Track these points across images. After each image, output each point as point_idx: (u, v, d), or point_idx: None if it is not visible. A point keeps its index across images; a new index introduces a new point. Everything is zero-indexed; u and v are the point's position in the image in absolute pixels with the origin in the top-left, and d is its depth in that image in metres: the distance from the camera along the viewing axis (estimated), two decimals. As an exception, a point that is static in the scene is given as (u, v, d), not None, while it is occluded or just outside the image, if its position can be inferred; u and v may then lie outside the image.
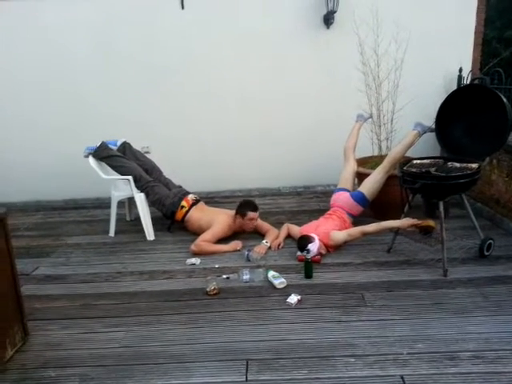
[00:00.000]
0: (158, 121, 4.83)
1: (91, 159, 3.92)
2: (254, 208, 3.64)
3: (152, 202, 3.91)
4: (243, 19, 4.59)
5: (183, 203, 3.85)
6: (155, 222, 3.95)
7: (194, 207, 3.87)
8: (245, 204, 3.68)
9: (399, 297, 2.75)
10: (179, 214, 3.85)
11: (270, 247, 3.52)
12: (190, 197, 3.93)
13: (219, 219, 3.69)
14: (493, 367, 2.10)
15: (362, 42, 4.26)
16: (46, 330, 2.57)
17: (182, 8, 4.56)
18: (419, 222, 3.09)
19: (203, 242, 3.51)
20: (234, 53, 4.67)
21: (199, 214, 3.82)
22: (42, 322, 2.64)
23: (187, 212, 3.83)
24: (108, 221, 3.99)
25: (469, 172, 2.95)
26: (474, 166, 3.02)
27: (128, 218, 4.37)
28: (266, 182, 5.00)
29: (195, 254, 3.45)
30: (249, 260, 3.29)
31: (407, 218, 3.15)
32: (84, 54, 4.66)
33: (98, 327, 2.58)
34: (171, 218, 3.92)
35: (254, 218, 3.63)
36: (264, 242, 3.52)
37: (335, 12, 4.44)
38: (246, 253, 3.34)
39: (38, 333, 2.54)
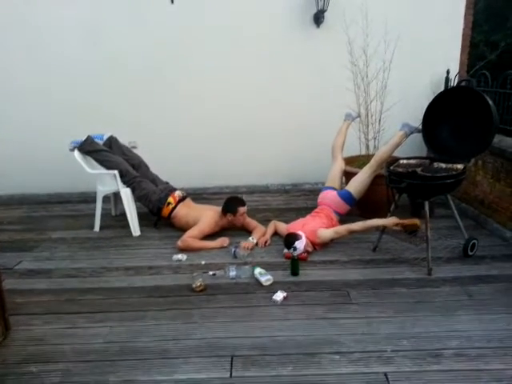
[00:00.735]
0: (146, 116, 4.78)
1: (76, 153, 3.87)
2: (243, 203, 3.68)
3: (138, 198, 3.87)
4: (233, 16, 4.57)
5: (170, 200, 3.82)
6: (141, 217, 3.92)
7: (181, 204, 3.84)
8: (232, 201, 3.68)
9: (384, 295, 2.77)
10: (166, 211, 3.82)
11: (256, 244, 3.52)
12: (177, 193, 3.90)
13: (206, 215, 3.67)
14: (474, 365, 2.13)
15: (352, 41, 4.27)
16: (28, 324, 2.53)
17: (172, 2, 4.52)
18: (405, 221, 3.12)
19: (190, 237, 3.49)
20: (222, 50, 4.64)
21: (186, 211, 3.79)
22: (24, 316, 2.60)
23: (174, 208, 3.81)
24: (93, 215, 3.94)
25: (454, 173, 2.98)
26: (460, 166, 3.06)
27: (113, 213, 4.32)
28: (253, 179, 4.99)
29: (181, 250, 3.43)
30: (235, 257, 3.29)
31: (393, 217, 3.17)
32: (72, 49, 4.58)
33: (82, 322, 2.54)
34: (157, 214, 3.89)
35: (245, 212, 3.67)
36: (251, 238, 3.52)
37: (325, 11, 4.45)
38: (233, 249, 3.34)
39: (20, 328, 2.49)
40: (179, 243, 3.46)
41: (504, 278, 2.93)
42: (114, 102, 4.71)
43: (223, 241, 3.54)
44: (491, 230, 3.69)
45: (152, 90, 4.72)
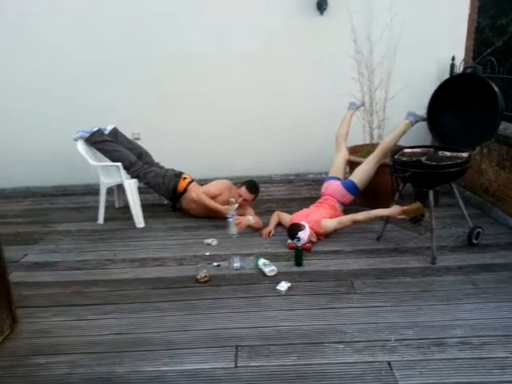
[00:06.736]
0: (149, 109, 4.75)
1: (80, 145, 3.87)
2: (250, 188, 3.72)
3: (152, 178, 3.90)
4: (233, 3, 4.51)
5: (185, 175, 4.01)
6: (145, 209, 3.93)
7: (194, 182, 4.01)
8: (248, 181, 3.80)
9: (388, 284, 2.78)
10: (183, 183, 3.93)
11: (258, 229, 3.61)
12: (187, 174, 4.08)
13: (218, 181, 3.96)
14: (478, 353, 2.14)
15: (356, 29, 4.22)
16: (35, 317, 2.56)
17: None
18: (408, 207, 3.10)
19: (204, 193, 3.75)
20: (223, 40, 4.60)
21: (198, 186, 3.97)
22: (31, 309, 2.63)
23: (190, 182, 3.96)
24: (98, 208, 3.96)
25: (459, 161, 2.96)
26: (465, 155, 3.03)
27: (117, 205, 4.33)
28: (257, 169, 4.97)
29: (193, 202, 3.78)
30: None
31: (396, 206, 3.15)
32: (71, 40, 4.55)
33: (89, 314, 2.57)
34: (173, 192, 3.93)
35: (242, 196, 3.71)
36: (251, 218, 3.61)
37: (328, -2, 4.39)
38: (230, 217, 3.44)
39: (28, 320, 2.52)
40: (193, 194, 3.77)
41: (508, 267, 2.92)
42: (115, 96, 4.68)
43: (227, 209, 3.60)
44: (496, 218, 3.67)
45: (153, 84, 4.68)
